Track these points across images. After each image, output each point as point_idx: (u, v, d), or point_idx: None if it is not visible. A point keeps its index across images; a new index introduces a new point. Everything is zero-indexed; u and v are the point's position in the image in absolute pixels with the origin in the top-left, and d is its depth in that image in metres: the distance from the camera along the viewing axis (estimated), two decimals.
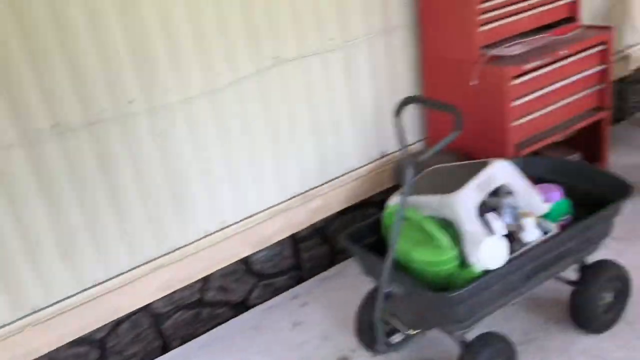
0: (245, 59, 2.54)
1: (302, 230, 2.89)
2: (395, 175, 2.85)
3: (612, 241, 2.53)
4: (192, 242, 2.59)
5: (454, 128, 1.80)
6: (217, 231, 2.64)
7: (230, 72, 2.51)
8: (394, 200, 2.16)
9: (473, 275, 1.91)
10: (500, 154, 2.78)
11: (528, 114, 2.80)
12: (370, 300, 2.25)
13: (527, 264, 1.98)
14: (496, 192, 2.15)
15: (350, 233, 2.23)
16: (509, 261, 1.92)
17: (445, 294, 1.82)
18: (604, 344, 2.29)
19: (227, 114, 2.55)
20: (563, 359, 2.24)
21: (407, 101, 1.94)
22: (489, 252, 1.84)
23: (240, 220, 2.69)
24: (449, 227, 1.98)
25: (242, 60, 2.53)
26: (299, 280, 2.93)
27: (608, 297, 2.31)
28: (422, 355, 2.33)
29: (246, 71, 2.55)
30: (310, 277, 2.95)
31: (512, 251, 2.02)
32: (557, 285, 2.37)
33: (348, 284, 2.80)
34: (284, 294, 2.86)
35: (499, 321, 2.44)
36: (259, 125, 2.65)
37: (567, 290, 2.33)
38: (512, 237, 2.06)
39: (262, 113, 2.64)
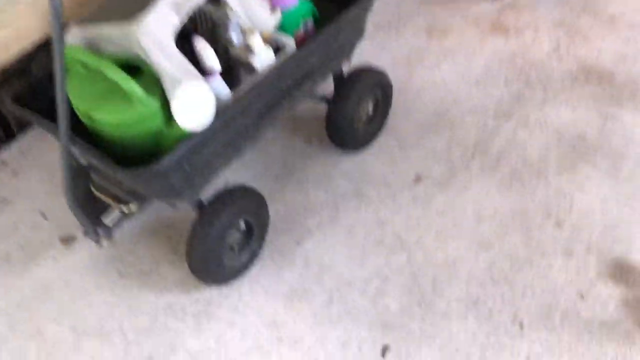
0: None
1: None
2: None
3: (373, 31, 2.17)
4: None
5: None
6: None
7: None
8: (70, 37, 1.50)
9: (185, 133, 1.41)
10: None
11: None
12: (78, 170, 1.71)
13: (257, 100, 1.53)
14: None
15: (23, 90, 1.57)
16: (231, 105, 1.44)
17: (134, 170, 1.32)
18: (368, 160, 2.03)
19: None
20: (325, 186, 1.97)
21: None
22: (190, 104, 1.33)
23: None
24: (146, 69, 1.41)
25: None
26: (6, 140, 2.25)
27: (368, 108, 1.99)
28: (160, 219, 1.93)
29: None
30: (21, 134, 2.27)
31: (238, 83, 1.54)
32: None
33: None
34: None
35: (251, 157, 2.06)
36: None
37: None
38: (239, 63, 1.57)
39: None
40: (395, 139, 2.08)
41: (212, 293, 1.73)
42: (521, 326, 1.59)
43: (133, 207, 1.59)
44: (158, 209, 1.93)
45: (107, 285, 1.79)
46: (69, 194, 1.43)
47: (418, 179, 1.97)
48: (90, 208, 1.65)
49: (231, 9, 1.52)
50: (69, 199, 1.44)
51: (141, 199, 1.59)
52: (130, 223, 1.89)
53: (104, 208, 1.69)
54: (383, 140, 2.07)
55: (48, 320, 1.71)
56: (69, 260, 1.86)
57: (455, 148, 2.04)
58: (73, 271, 1.83)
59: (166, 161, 1.35)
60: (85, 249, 1.87)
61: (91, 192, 1.65)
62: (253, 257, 1.75)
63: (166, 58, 1.35)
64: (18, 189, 2.09)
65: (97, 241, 1.60)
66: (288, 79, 1.62)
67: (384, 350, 1.57)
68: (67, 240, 1.90)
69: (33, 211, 2.01)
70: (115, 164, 1.34)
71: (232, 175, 1.98)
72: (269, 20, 1.57)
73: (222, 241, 1.62)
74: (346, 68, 1.92)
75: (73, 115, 1.42)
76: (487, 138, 2.06)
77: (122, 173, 1.34)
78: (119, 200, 1.60)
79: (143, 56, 1.37)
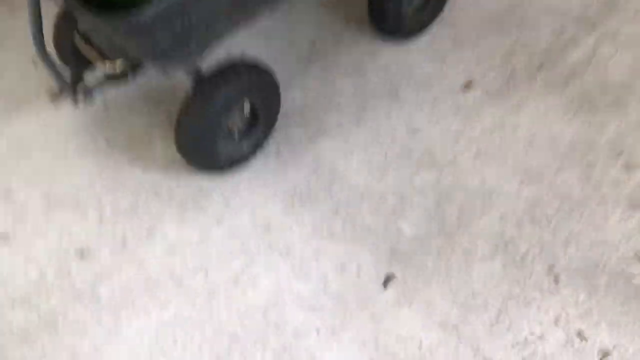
0: None
1: None
2: None
3: None
4: None
5: None
6: None
7: None
8: None
9: None
10: None
11: None
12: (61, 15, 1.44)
13: None
14: None
15: None
16: None
17: (109, 16, 1.04)
18: (412, 54, 1.70)
19: None
20: (355, 78, 1.66)
21: None
22: None
23: None
24: None
25: None
26: None
27: None
28: (162, 89, 1.67)
29: None
30: None
31: None
32: None
33: None
34: None
35: (275, 29, 1.75)
36: None
37: None
38: None
39: None
40: (450, 34, 1.73)
41: (204, 180, 1.50)
42: (556, 280, 1.32)
43: (119, 65, 1.33)
44: (160, 77, 1.67)
45: (90, 152, 1.57)
46: (36, 38, 1.17)
47: (468, 85, 1.63)
48: (73, 61, 1.41)
49: None
50: (36, 43, 1.19)
51: (130, 59, 1.33)
52: (127, 89, 1.64)
53: (90, 64, 1.44)
54: (435, 33, 1.72)
55: (21, 181, 1.52)
56: (53, 117, 1.64)
57: (520, 53, 1.67)
58: (56, 131, 1.61)
59: (149, 11, 1.07)
60: (73, 108, 1.65)
61: (75, 43, 1.40)
62: (256, 147, 1.50)
63: None
64: (13, 29, 1.84)
65: (74, 99, 1.36)
66: None
67: (387, 279, 1.34)
68: (56, 96, 1.68)
69: (25, 57, 1.76)
70: (88, 6, 1.07)
71: (248, 47, 1.69)
72: None
73: (218, 121, 1.37)
74: None
75: None
76: (561, 47, 1.68)
77: (95, 18, 1.08)
78: (104, 56, 1.35)
79: None
